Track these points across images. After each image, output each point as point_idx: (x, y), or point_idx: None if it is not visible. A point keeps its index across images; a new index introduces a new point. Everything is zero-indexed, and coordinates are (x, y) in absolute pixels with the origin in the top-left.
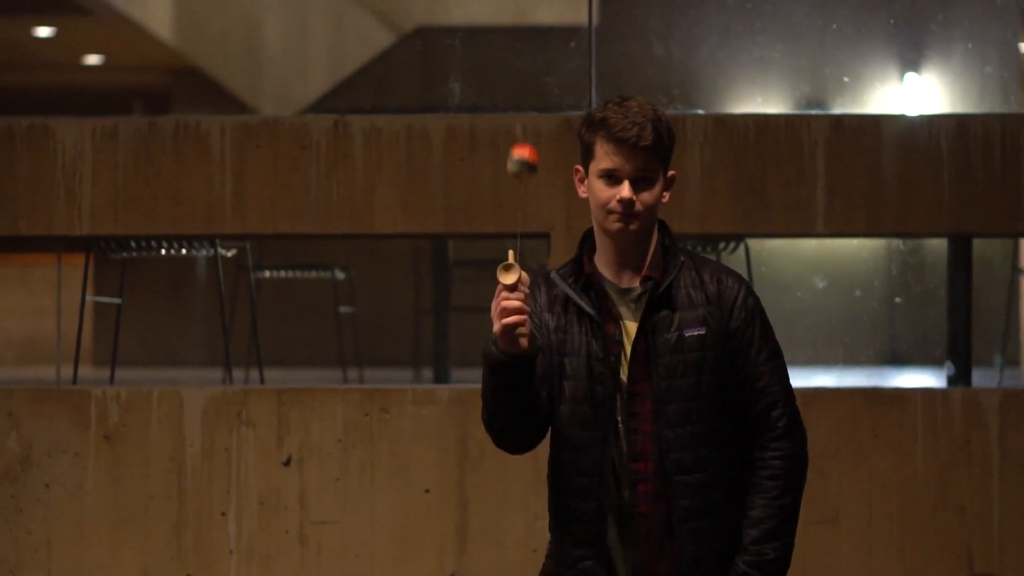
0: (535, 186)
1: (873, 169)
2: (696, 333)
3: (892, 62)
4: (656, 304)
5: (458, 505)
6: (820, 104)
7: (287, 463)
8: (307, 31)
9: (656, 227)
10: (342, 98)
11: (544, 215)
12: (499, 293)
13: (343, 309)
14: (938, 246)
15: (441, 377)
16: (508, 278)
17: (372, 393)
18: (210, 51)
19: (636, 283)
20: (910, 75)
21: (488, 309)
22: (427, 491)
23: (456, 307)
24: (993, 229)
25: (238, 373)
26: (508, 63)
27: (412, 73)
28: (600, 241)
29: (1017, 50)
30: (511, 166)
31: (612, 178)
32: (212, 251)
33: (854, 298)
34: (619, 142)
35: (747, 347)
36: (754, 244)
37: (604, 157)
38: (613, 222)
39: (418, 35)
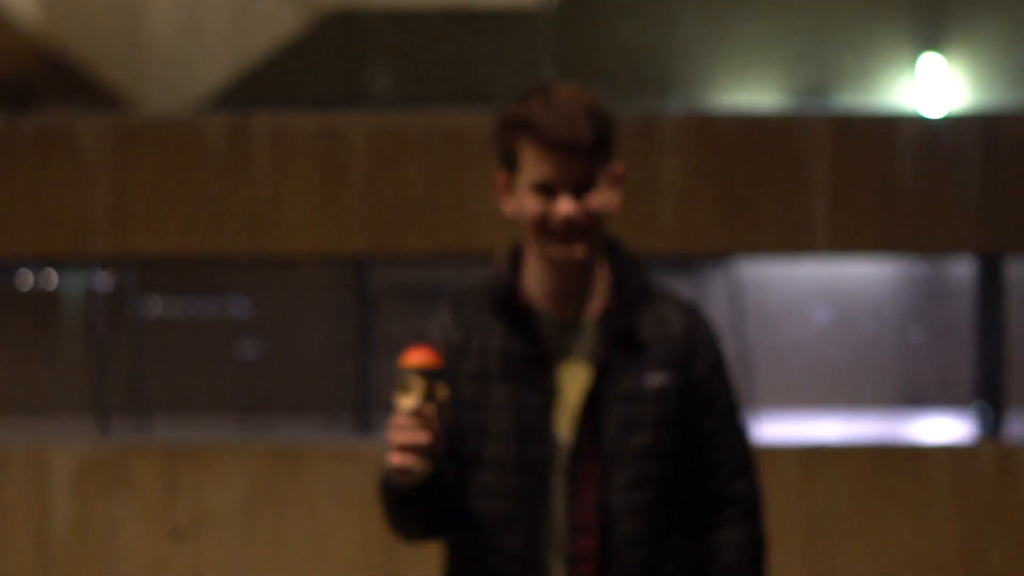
0: (472, 196)
1: (885, 178)
2: (657, 382)
3: (905, 44)
4: (612, 343)
5: None
6: (819, 93)
7: (178, 535)
8: (201, 11)
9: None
10: (244, 92)
11: (483, 230)
12: (396, 416)
13: (246, 347)
14: (965, 268)
15: (365, 428)
16: (407, 401)
17: (282, 449)
18: (82, 35)
19: (581, 314)
20: (927, 59)
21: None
22: (350, 567)
23: (383, 342)
24: None
25: (117, 426)
26: (443, 51)
27: (328, 63)
28: (535, 263)
29: None
30: (400, 384)
31: (546, 190)
32: (86, 277)
33: (864, 331)
34: (551, 145)
35: (711, 402)
36: (744, 267)
37: (533, 165)
38: (554, 245)
39: (336, 19)
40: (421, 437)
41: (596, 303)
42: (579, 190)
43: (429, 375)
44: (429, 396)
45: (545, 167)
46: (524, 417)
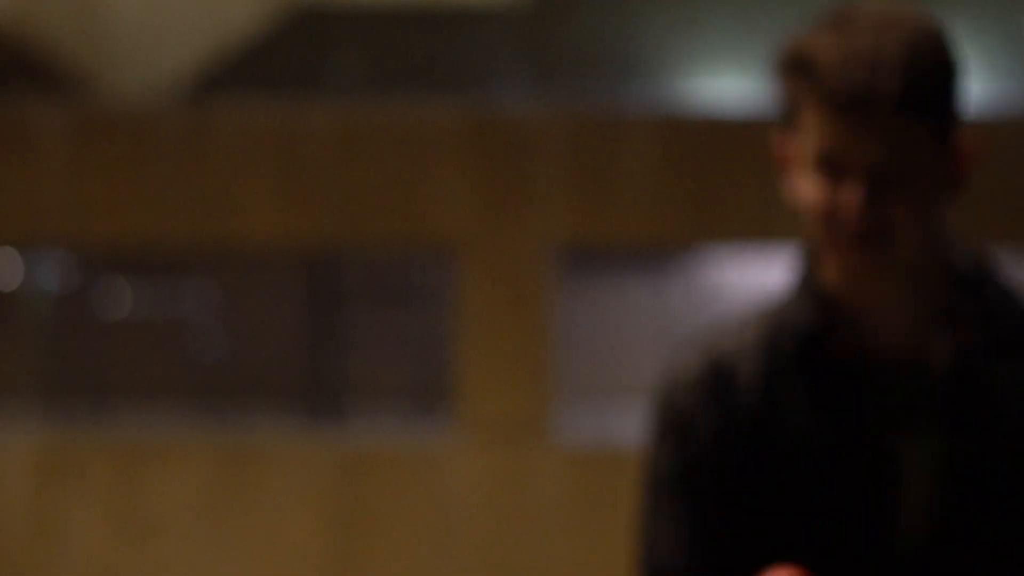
0: (433, 190)
1: None
2: None
3: None
4: (964, 394)
5: None
6: None
7: (132, 535)
8: None
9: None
10: (209, 82)
11: (444, 224)
12: None
13: (206, 339)
14: None
15: (329, 423)
16: None
17: (240, 445)
18: (44, 17)
19: (925, 356)
20: None
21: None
22: (308, 561)
23: (352, 335)
24: None
25: (68, 419)
26: (411, 48)
27: (295, 56)
28: (837, 277)
29: None
30: None
31: (836, 167)
32: (44, 266)
33: None
34: (836, 101)
35: None
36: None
37: (814, 129)
38: (846, 246)
39: (304, 13)
40: None
41: (948, 338)
42: (882, 173)
43: None
44: None
45: (829, 133)
46: (853, 514)
